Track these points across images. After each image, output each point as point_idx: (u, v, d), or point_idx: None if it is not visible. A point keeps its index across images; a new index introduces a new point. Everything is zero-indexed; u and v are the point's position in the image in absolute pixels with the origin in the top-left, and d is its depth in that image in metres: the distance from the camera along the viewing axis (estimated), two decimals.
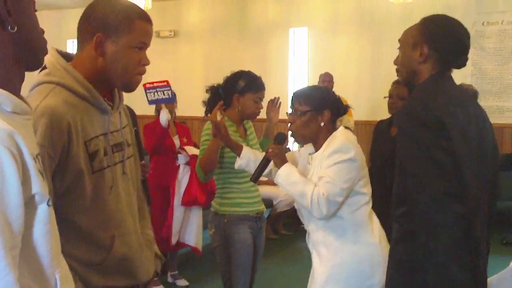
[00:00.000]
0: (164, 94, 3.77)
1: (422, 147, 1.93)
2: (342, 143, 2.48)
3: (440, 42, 2.05)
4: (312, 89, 2.73)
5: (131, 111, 4.16)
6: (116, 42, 1.70)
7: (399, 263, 2.08)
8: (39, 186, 1.13)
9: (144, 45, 1.77)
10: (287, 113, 2.70)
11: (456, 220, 1.95)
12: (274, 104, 3.42)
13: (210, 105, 3.25)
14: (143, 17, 1.75)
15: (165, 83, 3.79)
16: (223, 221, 3.17)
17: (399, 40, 2.17)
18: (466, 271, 1.98)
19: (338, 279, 2.52)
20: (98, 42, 1.69)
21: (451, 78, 2.09)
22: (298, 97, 2.62)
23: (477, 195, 1.97)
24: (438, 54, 2.04)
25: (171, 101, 4.38)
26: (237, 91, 3.18)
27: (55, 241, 1.21)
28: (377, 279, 2.47)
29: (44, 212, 1.15)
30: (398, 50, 2.20)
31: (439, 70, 2.06)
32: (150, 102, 3.83)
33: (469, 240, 1.96)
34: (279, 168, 2.54)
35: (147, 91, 3.73)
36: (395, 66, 2.21)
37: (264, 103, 3.31)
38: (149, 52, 1.82)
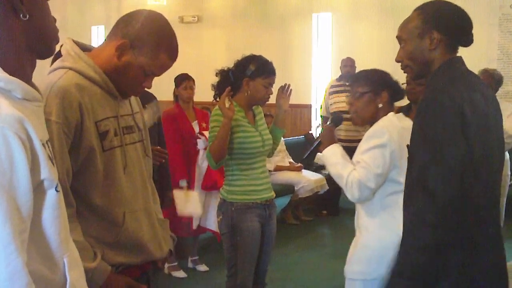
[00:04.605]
0: None
1: (441, 137, 1.87)
2: (377, 128, 2.54)
3: (446, 24, 2.01)
4: (371, 71, 2.77)
5: (152, 97, 4.18)
6: (135, 56, 1.79)
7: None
8: (47, 172, 1.15)
9: (155, 75, 1.87)
10: (346, 96, 2.76)
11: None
12: (285, 91, 3.38)
13: (219, 89, 3.22)
14: (170, 53, 1.84)
15: None
16: (231, 209, 3.16)
17: (398, 38, 2.11)
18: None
19: (361, 259, 2.58)
20: (121, 46, 1.78)
21: (464, 63, 2.06)
22: (357, 79, 2.71)
23: (488, 194, 1.95)
24: (447, 36, 2.00)
25: None
26: (247, 75, 3.14)
27: (64, 225, 1.23)
28: None
29: (52, 197, 1.18)
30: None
31: (450, 54, 2.03)
32: None
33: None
34: (324, 148, 2.66)
35: None
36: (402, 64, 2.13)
37: (275, 89, 3.29)
38: None
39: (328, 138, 2.70)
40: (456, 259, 1.91)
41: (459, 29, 2.03)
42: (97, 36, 10.75)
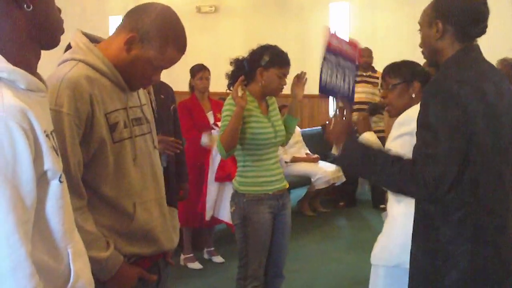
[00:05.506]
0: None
1: (440, 120, 1.84)
2: (407, 116, 2.55)
3: (451, 15, 1.98)
4: (401, 63, 2.82)
5: (168, 88, 4.17)
6: (143, 50, 1.79)
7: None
8: (51, 163, 1.15)
9: (163, 68, 1.88)
10: (379, 89, 2.79)
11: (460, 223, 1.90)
12: (300, 79, 3.34)
13: (233, 78, 3.20)
14: (179, 46, 1.84)
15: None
16: (243, 200, 3.16)
17: (418, 22, 2.13)
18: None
19: (384, 246, 2.63)
20: (130, 40, 1.78)
21: (479, 52, 2.01)
22: (388, 71, 2.77)
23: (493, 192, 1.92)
24: (453, 27, 1.98)
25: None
26: (261, 65, 3.11)
27: (68, 216, 1.23)
28: None
29: (56, 188, 1.18)
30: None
31: (462, 44, 1.99)
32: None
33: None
34: (359, 135, 2.73)
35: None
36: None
37: (290, 80, 3.26)
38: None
39: (363, 126, 2.80)
40: (464, 248, 1.89)
41: (466, 20, 1.98)
42: (115, 27, 10.77)
